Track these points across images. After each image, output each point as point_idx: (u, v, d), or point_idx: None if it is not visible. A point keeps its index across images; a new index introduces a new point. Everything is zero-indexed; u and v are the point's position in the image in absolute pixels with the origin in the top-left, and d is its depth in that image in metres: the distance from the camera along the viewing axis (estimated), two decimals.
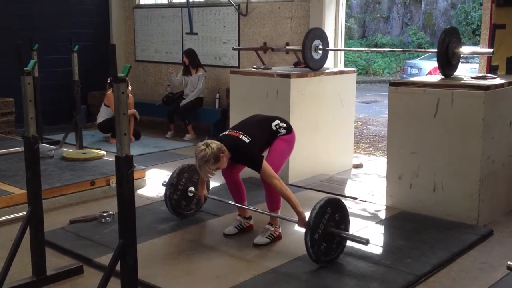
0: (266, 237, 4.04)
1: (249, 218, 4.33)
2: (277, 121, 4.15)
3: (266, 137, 4.08)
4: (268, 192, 3.99)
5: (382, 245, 4.12)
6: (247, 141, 3.89)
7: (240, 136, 3.91)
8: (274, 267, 3.68)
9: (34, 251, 3.38)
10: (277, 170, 3.97)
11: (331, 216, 3.66)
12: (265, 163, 3.81)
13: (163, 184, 4.65)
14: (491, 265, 3.77)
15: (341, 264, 3.70)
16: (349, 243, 3.77)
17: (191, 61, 8.31)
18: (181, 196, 4.54)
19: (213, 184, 4.97)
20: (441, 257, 3.79)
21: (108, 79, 7.85)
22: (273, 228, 4.08)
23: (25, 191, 3.49)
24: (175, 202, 4.52)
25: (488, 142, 4.44)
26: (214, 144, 3.72)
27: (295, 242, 4.01)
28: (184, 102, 8.27)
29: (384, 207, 4.91)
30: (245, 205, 4.28)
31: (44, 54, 8.16)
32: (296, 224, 3.84)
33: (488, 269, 3.70)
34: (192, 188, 4.55)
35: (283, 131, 4.12)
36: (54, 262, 3.75)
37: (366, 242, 3.62)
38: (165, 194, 4.52)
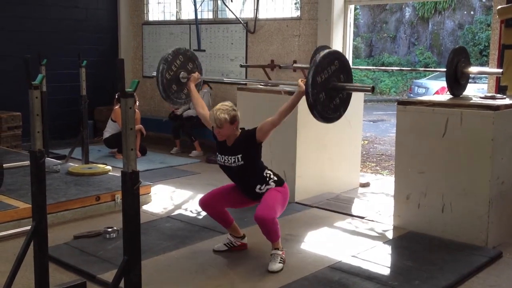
0: (279, 262, 3.92)
1: (242, 237, 4.26)
2: (269, 172, 4.07)
3: (259, 175, 4.03)
4: (263, 228, 3.85)
5: (389, 265, 4.06)
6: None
7: None
8: (279, 287, 3.62)
9: (38, 266, 3.34)
10: (274, 213, 3.84)
11: (336, 73, 3.57)
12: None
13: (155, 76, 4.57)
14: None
15: (347, 284, 3.64)
16: (356, 264, 3.72)
17: None
18: (173, 79, 4.53)
19: None
20: (450, 279, 3.73)
21: (116, 94, 7.88)
22: (281, 252, 3.98)
23: (30, 206, 3.46)
24: (167, 82, 4.49)
25: (498, 163, 4.39)
26: (239, 118, 3.94)
27: (300, 262, 3.97)
28: (188, 113, 8.24)
29: (392, 227, 4.86)
30: (235, 226, 4.21)
31: (53, 69, 8.21)
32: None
33: None
34: (185, 74, 4.56)
35: (272, 184, 4.01)
36: (58, 277, 3.72)
37: (371, 89, 3.51)
38: (158, 69, 4.46)
